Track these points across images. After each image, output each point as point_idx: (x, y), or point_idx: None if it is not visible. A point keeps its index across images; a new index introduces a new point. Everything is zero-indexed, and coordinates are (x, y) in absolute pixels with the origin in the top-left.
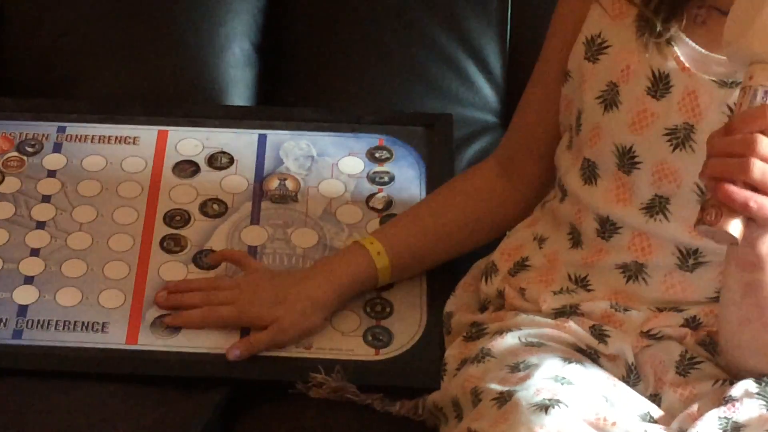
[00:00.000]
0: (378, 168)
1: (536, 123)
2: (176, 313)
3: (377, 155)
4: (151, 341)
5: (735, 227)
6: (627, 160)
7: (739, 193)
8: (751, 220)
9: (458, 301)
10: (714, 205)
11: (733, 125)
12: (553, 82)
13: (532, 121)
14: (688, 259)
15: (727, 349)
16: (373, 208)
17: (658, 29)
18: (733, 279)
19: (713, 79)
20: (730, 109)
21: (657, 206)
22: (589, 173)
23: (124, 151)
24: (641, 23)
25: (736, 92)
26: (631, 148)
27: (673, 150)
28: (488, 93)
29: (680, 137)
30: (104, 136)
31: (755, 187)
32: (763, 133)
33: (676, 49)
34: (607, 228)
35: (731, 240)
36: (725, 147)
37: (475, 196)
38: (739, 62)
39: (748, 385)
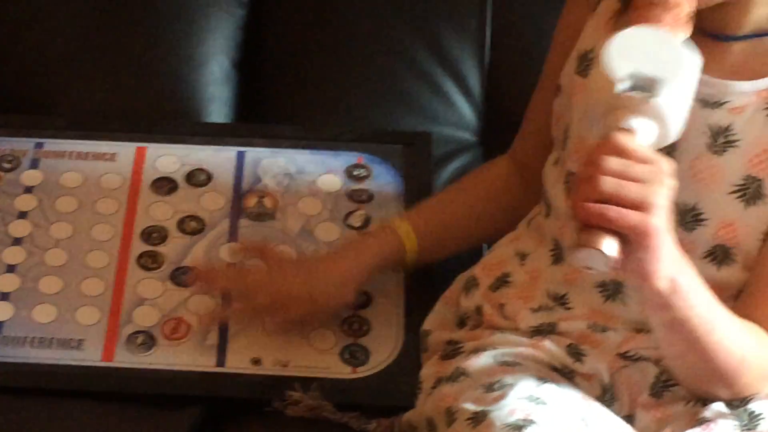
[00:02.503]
0: (356, 186)
1: (545, 125)
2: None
3: (355, 173)
4: (127, 359)
5: (605, 244)
6: None
7: (594, 206)
8: (622, 238)
9: (437, 317)
10: (581, 230)
11: (589, 155)
12: (552, 92)
13: (542, 122)
14: None
15: (678, 378)
16: (350, 226)
17: None
18: (653, 321)
19: (697, 99)
20: (710, 130)
21: None
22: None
23: (101, 167)
24: None
25: (717, 113)
26: None
27: None
28: (467, 112)
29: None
30: (82, 153)
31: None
32: (618, 155)
33: None
34: None
35: (607, 261)
36: (581, 174)
37: (493, 189)
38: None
39: (720, 406)
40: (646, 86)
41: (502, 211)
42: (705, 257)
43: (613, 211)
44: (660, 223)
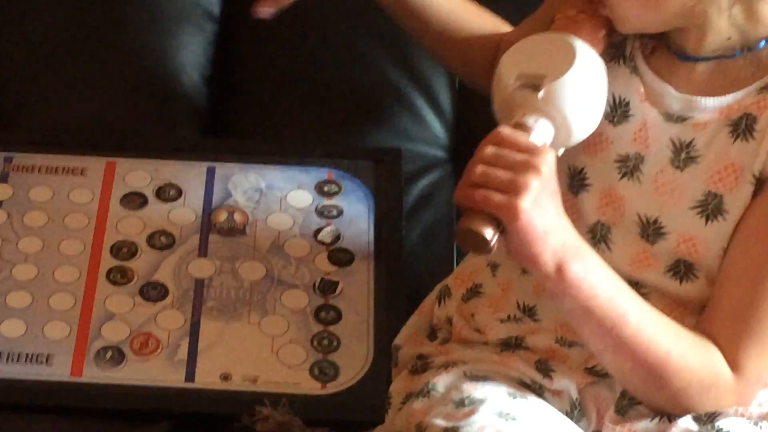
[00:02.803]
0: (326, 202)
1: None
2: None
3: (326, 189)
4: (96, 374)
5: (480, 226)
6: (577, 181)
7: (463, 190)
8: (498, 222)
9: (410, 330)
10: (463, 214)
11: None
12: None
13: None
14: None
15: (621, 384)
16: (321, 242)
17: (627, 56)
18: (561, 311)
19: (660, 112)
20: (673, 144)
21: (599, 234)
22: None
23: (71, 182)
24: (612, 49)
25: (680, 127)
26: (582, 169)
27: (621, 178)
28: (438, 128)
29: (630, 166)
30: (51, 167)
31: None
32: (497, 145)
33: (639, 78)
34: None
35: (484, 244)
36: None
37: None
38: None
39: (687, 423)
40: (535, 84)
41: (479, 55)
42: (667, 271)
43: (480, 193)
44: (527, 205)
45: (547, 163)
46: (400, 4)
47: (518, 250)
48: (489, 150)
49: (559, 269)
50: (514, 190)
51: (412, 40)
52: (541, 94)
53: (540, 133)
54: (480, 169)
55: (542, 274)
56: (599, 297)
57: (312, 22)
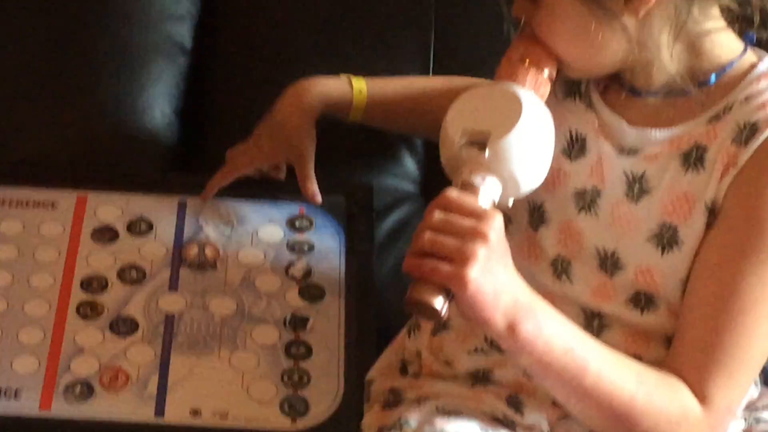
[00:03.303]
0: (298, 237)
1: None
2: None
3: (297, 224)
4: (64, 408)
5: (430, 296)
6: (536, 217)
7: (414, 260)
8: (447, 290)
9: (382, 363)
10: (412, 283)
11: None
12: None
13: None
14: (593, 321)
15: (591, 428)
16: (292, 277)
17: (582, 91)
18: (523, 367)
19: (614, 145)
20: (627, 177)
21: (560, 267)
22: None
23: (42, 215)
24: (568, 85)
25: (632, 160)
26: (541, 205)
27: (579, 212)
28: (409, 162)
29: (587, 200)
30: (22, 200)
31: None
32: (445, 211)
33: (594, 113)
34: None
35: (435, 313)
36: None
37: None
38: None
39: None
40: (480, 141)
41: None
42: (628, 302)
43: (428, 264)
44: (475, 274)
45: (494, 228)
46: (368, 116)
47: (469, 314)
48: (436, 216)
49: (512, 329)
50: (461, 259)
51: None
52: (487, 152)
53: (488, 191)
54: (428, 236)
55: (495, 335)
56: (555, 351)
57: (283, 56)
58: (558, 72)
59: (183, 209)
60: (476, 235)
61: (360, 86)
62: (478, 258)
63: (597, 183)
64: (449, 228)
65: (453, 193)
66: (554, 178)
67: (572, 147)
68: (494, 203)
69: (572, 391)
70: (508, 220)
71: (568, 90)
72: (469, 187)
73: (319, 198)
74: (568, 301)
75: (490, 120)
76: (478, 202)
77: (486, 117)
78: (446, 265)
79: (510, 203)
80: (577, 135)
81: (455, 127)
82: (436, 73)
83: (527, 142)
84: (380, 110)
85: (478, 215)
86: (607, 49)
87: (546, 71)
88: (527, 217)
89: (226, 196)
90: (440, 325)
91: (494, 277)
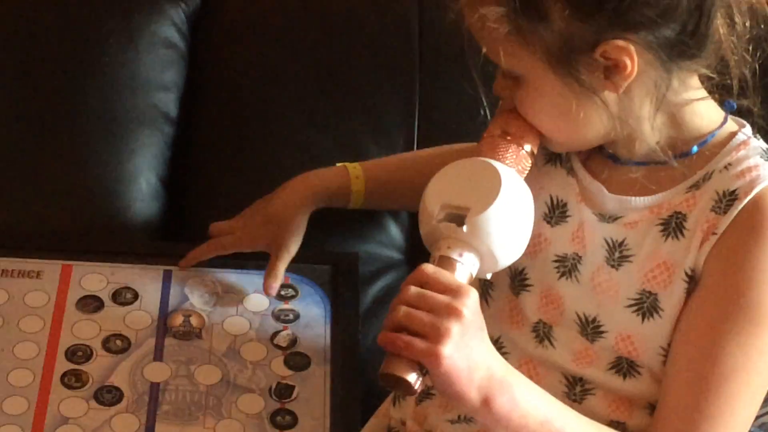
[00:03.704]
0: (283, 306)
1: None
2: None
3: (282, 293)
4: None
5: (404, 371)
6: (517, 282)
7: (388, 335)
8: (421, 365)
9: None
10: (387, 357)
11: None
12: None
13: None
14: (575, 387)
15: None
16: (278, 346)
17: (564, 157)
18: None
19: (595, 212)
20: (607, 243)
21: (542, 332)
22: (483, 292)
23: (26, 285)
24: (548, 151)
25: (612, 227)
26: (522, 270)
27: (560, 278)
28: (393, 230)
29: (568, 266)
30: (7, 270)
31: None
32: (421, 286)
33: (575, 180)
34: (499, 351)
35: (408, 387)
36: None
37: None
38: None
39: None
40: (459, 216)
41: None
42: (610, 368)
43: (402, 340)
44: (448, 351)
45: (469, 306)
46: (367, 201)
47: (443, 389)
48: (412, 291)
49: (486, 403)
50: (435, 336)
51: (367, 142)
52: (465, 228)
53: (465, 266)
54: (403, 311)
55: (470, 410)
56: (531, 424)
57: (268, 124)
58: (540, 144)
59: (168, 278)
60: (451, 311)
61: (356, 173)
62: (452, 335)
63: (578, 249)
64: (424, 304)
65: (429, 268)
66: (535, 243)
67: (553, 213)
68: (471, 276)
69: None
70: (489, 285)
71: (548, 156)
72: (447, 262)
73: (272, 293)
74: (551, 366)
75: (469, 195)
76: (455, 278)
77: (465, 192)
78: (420, 342)
79: (488, 276)
80: (557, 201)
81: (434, 201)
82: (421, 134)
83: (506, 218)
84: (378, 194)
85: (454, 291)
86: (589, 125)
87: (527, 146)
88: (509, 283)
89: (210, 265)
90: (414, 394)
91: (468, 353)
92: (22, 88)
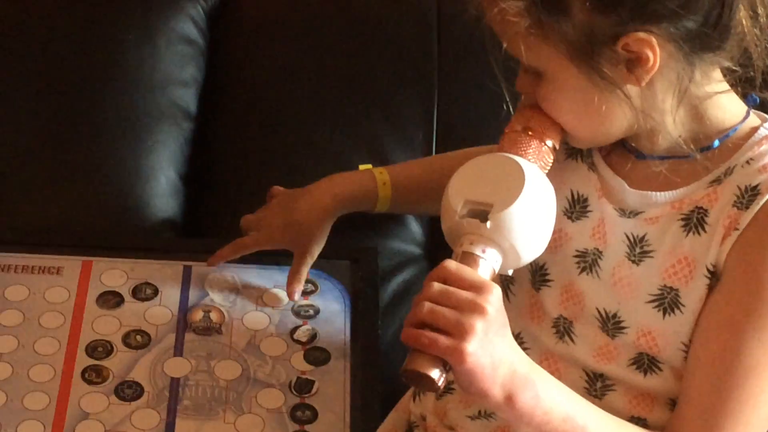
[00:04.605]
0: (303, 301)
1: None
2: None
3: (302, 288)
4: None
5: (427, 367)
6: (538, 278)
7: (412, 331)
8: (445, 362)
9: (387, 428)
10: (410, 353)
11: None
12: None
13: None
14: (596, 383)
15: None
16: (297, 341)
17: (585, 152)
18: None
19: (615, 208)
20: (628, 239)
21: (562, 327)
22: (503, 287)
23: (47, 281)
24: (570, 146)
25: (633, 222)
26: (543, 265)
27: (580, 273)
28: (413, 225)
29: (588, 261)
30: (27, 266)
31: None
32: (444, 282)
33: (596, 175)
34: (520, 347)
35: (432, 384)
36: (414, 299)
37: None
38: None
39: None
40: (482, 212)
41: None
42: (631, 364)
43: (426, 337)
44: (472, 348)
45: (492, 302)
46: (393, 206)
47: (466, 387)
48: (435, 287)
49: (510, 400)
50: (459, 333)
51: (386, 138)
52: (488, 224)
53: (488, 262)
54: (426, 307)
55: (493, 406)
56: (554, 420)
57: (287, 120)
58: (561, 140)
59: (188, 274)
60: (474, 308)
61: (383, 178)
62: (476, 332)
63: (598, 244)
64: (448, 300)
65: (452, 264)
66: (556, 238)
67: (574, 208)
68: (494, 272)
69: None
70: (510, 281)
71: (569, 151)
72: (469, 258)
73: (296, 297)
74: (571, 362)
75: (492, 191)
76: (478, 274)
77: (488, 188)
78: (444, 338)
79: (510, 273)
80: (578, 196)
81: (457, 197)
82: (439, 132)
83: (529, 214)
84: (404, 200)
85: (477, 288)
86: (611, 119)
87: (549, 141)
88: (529, 278)
89: (231, 261)
90: (437, 390)
91: (492, 350)
92: (42, 86)
